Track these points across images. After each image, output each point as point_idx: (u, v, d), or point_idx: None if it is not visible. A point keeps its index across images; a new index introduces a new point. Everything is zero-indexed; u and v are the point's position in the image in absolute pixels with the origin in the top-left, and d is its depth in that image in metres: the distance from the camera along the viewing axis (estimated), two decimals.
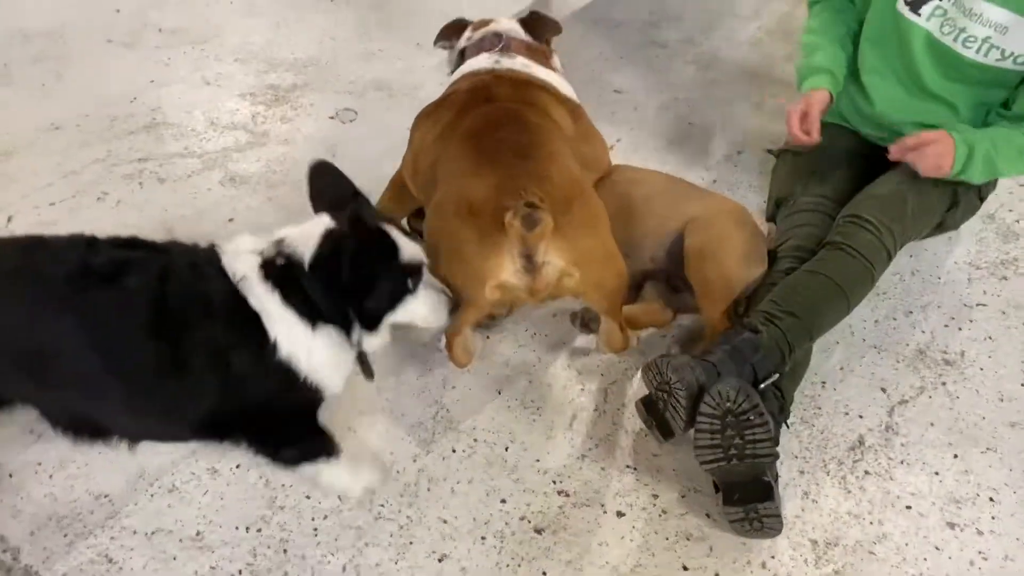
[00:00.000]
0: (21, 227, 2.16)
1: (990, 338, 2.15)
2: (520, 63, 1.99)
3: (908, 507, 1.77)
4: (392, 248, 1.49)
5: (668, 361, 1.70)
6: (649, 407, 1.76)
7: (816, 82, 2.12)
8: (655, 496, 1.74)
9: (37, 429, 1.73)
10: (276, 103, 2.66)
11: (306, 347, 1.48)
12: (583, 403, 1.91)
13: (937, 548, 1.70)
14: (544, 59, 2.07)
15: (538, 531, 1.66)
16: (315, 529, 1.63)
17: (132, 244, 1.50)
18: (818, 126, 2.07)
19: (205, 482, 1.68)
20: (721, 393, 1.62)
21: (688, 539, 1.67)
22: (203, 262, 1.49)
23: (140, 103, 2.60)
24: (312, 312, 1.47)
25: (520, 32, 2.07)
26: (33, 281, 1.39)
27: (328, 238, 1.46)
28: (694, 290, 1.96)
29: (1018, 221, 2.51)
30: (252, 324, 1.45)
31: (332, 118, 2.62)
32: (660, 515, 1.71)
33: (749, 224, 2.07)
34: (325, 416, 1.78)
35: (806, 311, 1.82)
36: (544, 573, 1.60)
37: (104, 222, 2.20)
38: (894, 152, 2.01)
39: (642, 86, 2.91)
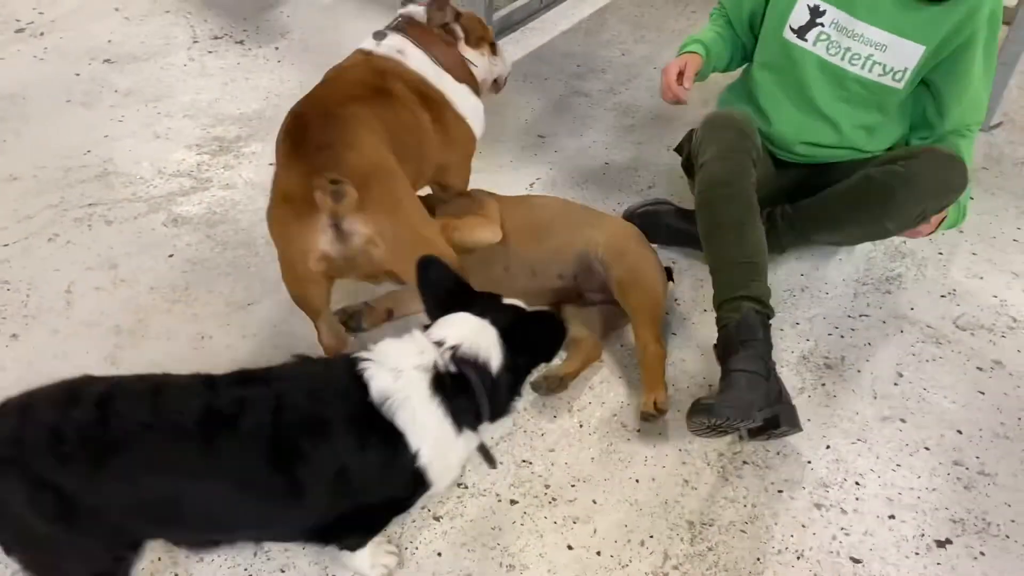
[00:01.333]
0: None
1: (869, 344, 2.34)
2: (394, 48, 2.10)
3: (780, 491, 1.94)
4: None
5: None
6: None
7: (692, 48, 2.38)
8: (547, 486, 1.90)
9: None
10: (220, 153, 2.87)
11: (446, 453, 1.49)
12: None
13: (803, 526, 1.86)
14: (435, 45, 2.15)
15: (436, 518, 1.82)
16: None
17: (247, 379, 1.48)
18: (691, 83, 2.32)
19: None
20: (717, 415, 1.85)
21: (575, 522, 1.83)
22: (324, 385, 1.47)
23: (93, 155, 2.81)
24: (467, 419, 1.49)
25: (420, 15, 2.18)
26: (166, 436, 1.36)
27: (513, 340, 1.49)
28: (628, 315, 2.19)
29: (904, 242, 2.73)
30: (385, 439, 1.43)
31: (272, 164, 2.82)
32: (550, 502, 1.87)
33: (647, 242, 2.31)
34: None
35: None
36: (439, 554, 1.75)
37: (55, 259, 2.39)
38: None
39: (564, 131, 3.15)
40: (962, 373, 2.28)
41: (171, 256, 2.44)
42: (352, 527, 1.55)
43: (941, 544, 1.85)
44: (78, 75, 3.24)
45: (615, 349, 2.26)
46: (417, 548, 1.76)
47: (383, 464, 1.44)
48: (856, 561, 1.80)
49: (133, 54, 3.39)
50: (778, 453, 2.02)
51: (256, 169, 2.80)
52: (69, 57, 3.35)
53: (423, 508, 1.83)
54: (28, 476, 1.29)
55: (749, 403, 1.87)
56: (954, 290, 2.55)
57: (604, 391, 2.14)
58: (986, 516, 1.92)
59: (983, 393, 2.22)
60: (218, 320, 2.25)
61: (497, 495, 1.87)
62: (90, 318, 2.22)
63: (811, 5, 2.21)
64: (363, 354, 1.49)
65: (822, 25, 2.22)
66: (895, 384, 2.22)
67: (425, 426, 1.43)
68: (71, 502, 1.30)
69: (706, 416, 1.89)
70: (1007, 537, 1.88)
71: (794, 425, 1.94)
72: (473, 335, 1.49)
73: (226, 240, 2.51)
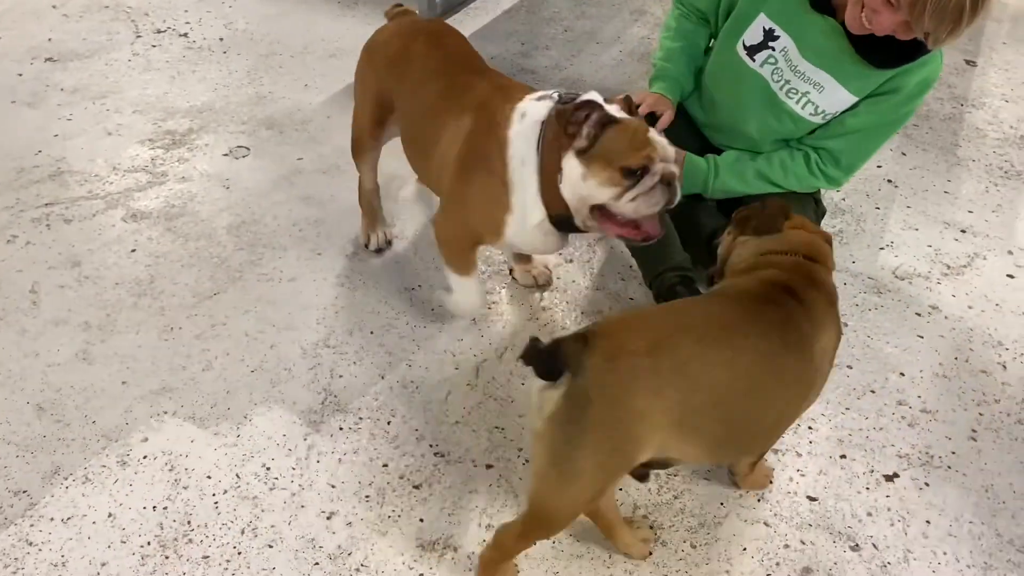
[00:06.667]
0: None
1: None
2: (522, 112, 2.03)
3: None
4: None
5: None
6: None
7: (663, 88, 2.34)
8: (520, 449, 1.99)
9: None
10: (173, 146, 2.89)
11: None
12: (457, 380, 2.15)
13: None
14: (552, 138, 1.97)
15: (416, 487, 1.90)
16: (216, 503, 1.83)
17: None
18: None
19: (115, 472, 1.88)
20: None
21: None
22: None
23: (45, 155, 2.80)
24: None
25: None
26: None
27: None
28: None
29: (844, 199, 2.87)
30: None
31: (226, 155, 2.86)
32: (524, 464, 1.96)
33: None
34: (215, 406, 2.02)
35: None
36: (421, 520, 1.83)
37: (16, 260, 2.39)
38: None
39: None
40: (902, 319, 2.41)
41: (133, 251, 2.46)
42: None
43: (889, 478, 1.99)
44: (20, 75, 3.21)
45: (577, 311, 2.35)
46: (399, 516, 1.83)
47: None
48: (812, 499, 1.92)
49: (75, 51, 3.37)
50: None
51: (211, 161, 2.82)
52: (9, 57, 3.31)
53: (401, 478, 1.91)
54: None
55: None
56: (892, 242, 2.69)
57: None
58: (929, 449, 2.06)
59: (922, 337, 2.36)
60: (186, 311, 2.29)
61: (473, 461, 1.96)
62: (58, 316, 2.24)
63: (767, 27, 2.18)
64: None
65: (772, 49, 2.19)
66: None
67: None
68: None
69: None
70: (948, 468, 2.02)
71: None
72: None
73: (187, 232, 2.53)
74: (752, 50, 2.22)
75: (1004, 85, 3.62)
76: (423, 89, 2.12)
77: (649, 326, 1.52)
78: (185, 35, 3.54)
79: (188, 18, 3.66)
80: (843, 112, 2.19)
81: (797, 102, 2.20)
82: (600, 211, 1.84)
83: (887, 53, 2.03)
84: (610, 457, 1.47)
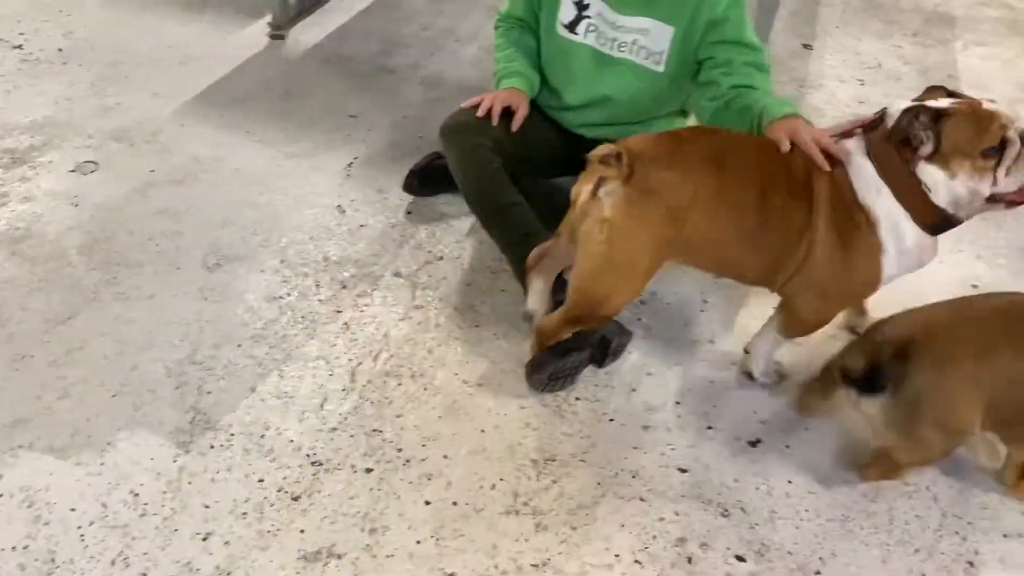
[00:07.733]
0: None
1: (676, 279, 2.56)
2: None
3: (611, 420, 2.11)
4: None
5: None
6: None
7: (515, 83, 2.44)
8: (399, 450, 1.99)
9: None
10: (14, 165, 2.73)
11: None
12: (332, 386, 2.13)
13: (635, 448, 2.05)
14: (887, 158, 1.88)
15: (295, 499, 1.87)
16: (82, 536, 1.75)
17: None
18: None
19: None
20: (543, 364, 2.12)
21: (429, 479, 1.93)
22: None
23: None
24: None
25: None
26: None
27: None
28: None
29: None
30: None
31: (73, 171, 2.73)
32: (404, 464, 1.96)
33: None
34: (75, 435, 1.93)
35: None
36: (302, 531, 1.81)
37: None
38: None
39: (374, 109, 3.20)
40: (759, 294, 2.53)
41: None
42: None
43: (753, 444, 2.09)
44: None
45: (449, 307, 2.36)
46: (279, 530, 1.80)
47: None
48: (683, 471, 2.00)
49: None
50: (606, 386, 2.20)
51: (56, 178, 2.69)
52: None
53: (279, 491, 1.88)
54: None
55: (569, 341, 2.08)
56: None
57: (444, 353, 2.24)
58: (789, 413, 2.18)
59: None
60: (37, 338, 2.17)
61: (352, 466, 1.94)
62: None
63: (575, 1, 2.31)
64: None
65: (589, 17, 2.31)
66: (702, 311, 2.46)
67: None
68: None
69: (537, 371, 2.05)
70: (807, 429, 2.13)
71: (623, 333, 2.21)
72: None
73: (34, 255, 2.40)
74: (571, 26, 2.35)
75: (839, 67, 3.85)
76: (732, 198, 1.94)
77: (971, 331, 1.75)
78: (20, 47, 3.34)
79: (22, 28, 3.46)
80: (691, 44, 2.25)
81: (630, 52, 2.32)
82: (989, 197, 1.82)
83: None
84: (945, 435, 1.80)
